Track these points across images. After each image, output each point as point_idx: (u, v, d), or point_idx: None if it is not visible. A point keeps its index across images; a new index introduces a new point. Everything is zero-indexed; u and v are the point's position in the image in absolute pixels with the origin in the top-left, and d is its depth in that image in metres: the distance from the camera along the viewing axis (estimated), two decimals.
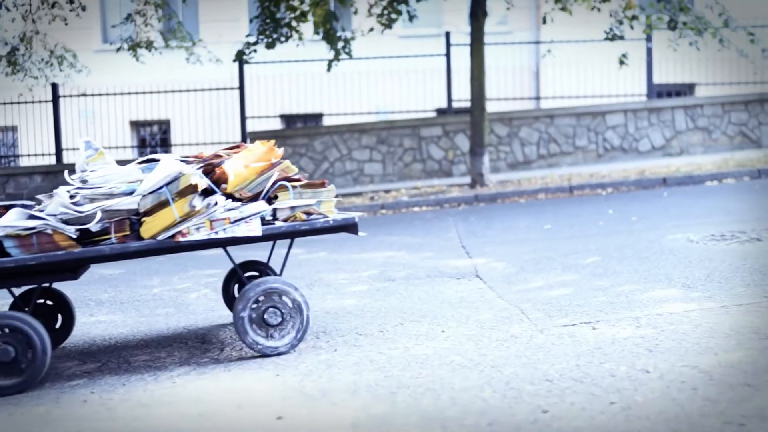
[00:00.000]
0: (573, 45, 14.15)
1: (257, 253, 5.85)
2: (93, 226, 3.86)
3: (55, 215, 3.89)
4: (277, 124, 17.49)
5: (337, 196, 4.58)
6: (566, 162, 13.40)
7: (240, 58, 11.62)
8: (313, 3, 10.58)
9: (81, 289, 6.26)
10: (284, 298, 4.05)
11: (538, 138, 13.49)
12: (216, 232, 3.95)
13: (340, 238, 7.54)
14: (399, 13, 10.97)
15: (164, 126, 17.35)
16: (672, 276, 4.99)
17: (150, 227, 3.91)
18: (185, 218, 3.90)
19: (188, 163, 4.27)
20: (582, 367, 3.27)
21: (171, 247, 3.94)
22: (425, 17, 17.85)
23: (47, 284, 4.43)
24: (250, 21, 11.77)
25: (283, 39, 11.26)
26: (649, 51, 13.47)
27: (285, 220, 4.12)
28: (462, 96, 14.66)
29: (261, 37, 11.26)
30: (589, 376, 3.13)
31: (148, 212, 3.92)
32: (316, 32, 11.20)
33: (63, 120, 13.50)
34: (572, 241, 6.88)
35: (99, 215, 3.87)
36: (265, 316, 4.01)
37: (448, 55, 13.49)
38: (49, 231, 3.85)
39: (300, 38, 11.48)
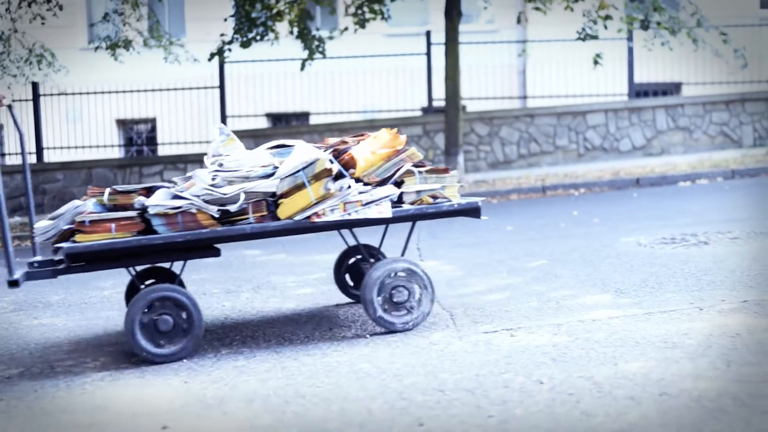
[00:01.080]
0: (560, 44, 14.07)
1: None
2: (233, 207, 4.08)
3: (198, 196, 4.12)
4: (264, 123, 17.48)
5: None
6: (546, 162, 13.36)
7: (215, 57, 11.59)
8: (288, 2, 10.55)
9: (34, 291, 6.26)
10: (410, 277, 4.25)
11: (519, 137, 13.45)
12: (349, 214, 4.19)
13: (303, 239, 7.53)
14: (375, 12, 10.93)
15: (151, 124, 17.35)
16: (608, 281, 4.97)
17: (287, 208, 4.15)
18: (320, 200, 4.14)
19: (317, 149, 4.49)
20: (481, 377, 3.25)
21: (306, 227, 4.19)
22: (410, 16, 17.85)
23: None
24: (224, 20, 11.72)
25: (258, 38, 11.23)
26: (630, 50, 13.40)
27: (411, 204, 4.34)
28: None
29: (236, 36, 11.24)
30: (482, 387, 3.11)
31: (285, 194, 4.16)
32: (291, 32, 11.18)
33: (44, 119, 13.49)
34: (528, 243, 6.85)
35: (242, 197, 4.09)
36: (393, 294, 4.22)
37: (428, 54, 13.45)
38: (193, 210, 4.09)
39: (276, 38, 11.45)
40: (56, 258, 4.40)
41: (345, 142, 4.50)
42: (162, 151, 15.89)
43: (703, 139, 13.35)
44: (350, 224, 4.26)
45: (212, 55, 11.44)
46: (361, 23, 11.16)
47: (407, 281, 4.25)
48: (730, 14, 15.97)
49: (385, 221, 4.25)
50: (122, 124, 17.41)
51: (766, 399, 2.68)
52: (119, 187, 4.23)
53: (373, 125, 13.40)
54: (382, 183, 4.31)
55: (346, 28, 11.55)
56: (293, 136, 13.29)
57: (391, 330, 4.21)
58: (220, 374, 3.73)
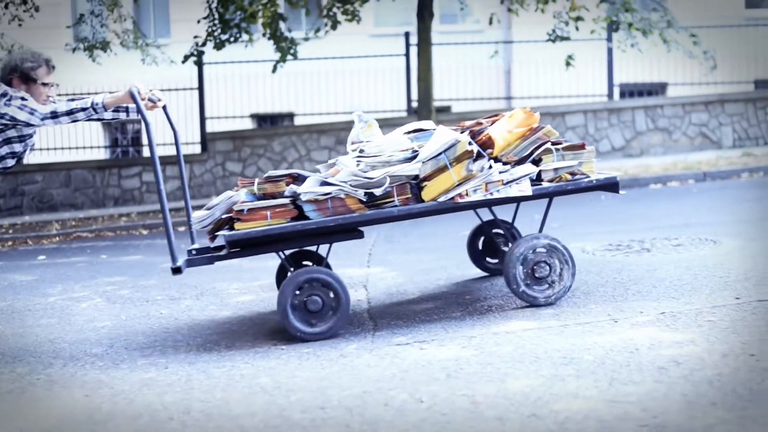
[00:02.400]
0: (545, 44, 13.99)
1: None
2: (378, 191, 4.24)
3: (345, 181, 4.29)
4: (249, 124, 17.48)
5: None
6: None
7: (189, 59, 11.57)
8: (262, 4, 10.53)
9: None
10: (551, 253, 4.43)
11: None
12: (491, 194, 4.33)
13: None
14: (347, 13, 10.89)
15: (137, 125, 17.36)
16: None
17: (430, 190, 4.31)
18: (462, 181, 4.29)
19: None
20: (367, 394, 3.23)
21: (450, 207, 4.36)
22: (396, 16, 17.82)
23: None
24: (198, 22, 11.70)
25: (232, 40, 11.22)
26: (609, 51, 13.33)
27: (549, 181, 4.46)
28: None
29: (210, 38, 11.23)
30: (363, 405, 3.09)
31: (428, 177, 4.31)
32: (264, 33, 11.16)
33: None
34: None
35: (388, 180, 4.24)
36: (535, 269, 4.41)
37: (407, 55, 13.40)
38: (342, 195, 4.29)
39: (251, 39, 11.44)
40: (212, 245, 4.77)
41: (480, 123, 4.64)
42: (147, 152, 15.88)
43: (682, 140, 13.28)
44: (492, 203, 4.42)
45: (186, 57, 11.43)
46: (334, 25, 11.13)
47: (548, 257, 4.42)
48: (716, 14, 15.92)
49: (525, 199, 4.41)
50: (107, 125, 17.42)
51: (631, 422, 2.66)
52: (269, 175, 4.47)
53: (351, 126, 13.35)
54: (520, 162, 4.45)
55: (318, 29, 11.53)
56: (270, 138, 13.28)
57: (533, 304, 4.44)
58: (124, 387, 3.73)
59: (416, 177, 4.34)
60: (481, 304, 4.75)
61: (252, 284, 6.08)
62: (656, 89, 16.51)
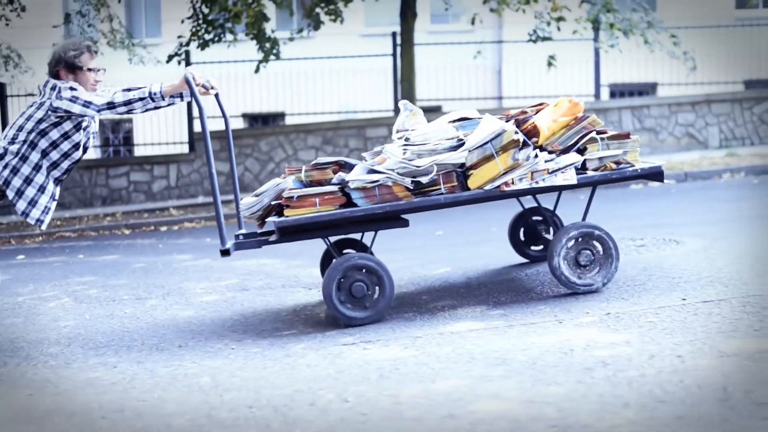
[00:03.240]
0: (535, 45, 13.99)
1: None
2: (424, 179, 4.32)
3: (393, 169, 4.36)
4: (240, 123, 17.53)
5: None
6: None
7: (178, 58, 11.62)
8: (246, 4, 10.57)
9: None
10: (595, 241, 4.50)
11: None
12: (536, 182, 4.40)
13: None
14: (330, 14, 10.93)
15: (127, 125, 17.42)
16: (494, 291, 4.96)
17: (477, 179, 4.39)
18: (508, 170, 4.35)
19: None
20: (297, 393, 3.27)
21: (496, 195, 4.44)
22: (387, 16, 17.83)
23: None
24: (182, 22, 11.75)
25: (216, 40, 11.26)
26: (596, 51, 13.34)
27: (594, 170, 4.53)
28: (422, 95, 14.69)
29: (194, 38, 11.28)
30: (290, 405, 3.13)
31: (474, 165, 4.39)
32: (246, 33, 11.20)
33: (12, 119, 13.56)
34: (446, 250, 6.86)
35: (435, 169, 4.31)
36: (578, 257, 4.48)
37: (394, 55, 13.42)
38: (389, 183, 4.36)
39: (235, 39, 11.48)
40: (259, 231, 4.92)
41: (525, 112, 4.70)
42: (138, 151, 15.96)
43: (669, 140, 13.29)
44: (537, 191, 4.51)
45: (170, 57, 11.48)
46: (317, 25, 11.17)
47: (591, 244, 4.50)
48: (706, 15, 15.93)
49: (570, 187, 4.51)
50: (100, 124, 17.46)
51: (542, 422, 2.69)
52: (316, 163, 4.58)
53: (339, 126, 13.43)
54: (565, 151, 4.50)
55: (301, 30, 11.57)
56: (257, 138, 13.32)
57: (576, 291, 4.51)
58: (68, 386, 3.77)
59: (462, 165, 4.42)
60: (435, 304, 4.78)
61: (218, 284, 6.12)
62: (646, 89, 16.53)
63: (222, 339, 4.47)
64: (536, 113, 4.65)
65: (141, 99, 4.42)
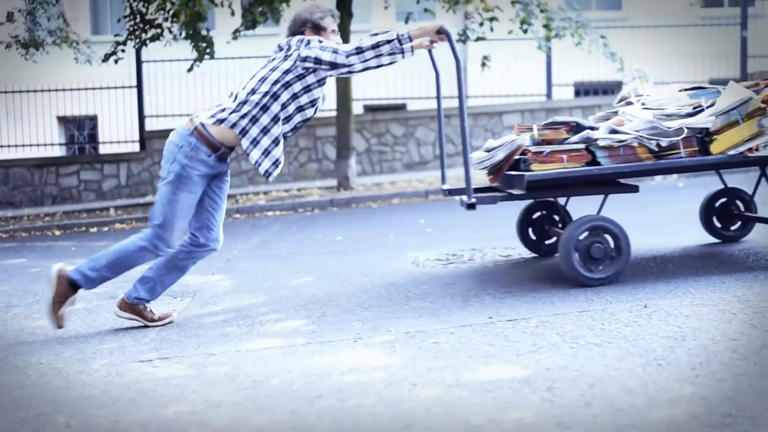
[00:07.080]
0: (499, 43, 13.84)
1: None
2: (663, 142, 4.43)
3: (639, 130, 4.45)
4: None
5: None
6: (461, 162, 13.23)
7: (115, 57, 11.59)
8: (182, 3, 10.53)
9: None
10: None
11: (435, 138, 13.34)
12: None
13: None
14: (264, 15, 10.87)
15: (92, 122, 17.44)
16: (329, 304, 4.90)
17: (720, 144, 4.50)
18: (753, 137, 4.47)
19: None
20: (38, 415, 3.22)
21: (740, 161, 4.53)
22: (361, 14, 17.72)
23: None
24: (118, 21, 11.73)
25: (154, 39, 11.23)
26: (548, 50, 13.18)
27: None
28: (388, 94, 14.64)
29: (130, 37, 11.25)
30: (21, 427, 3.08)
31: (718, 131, 4.51)
32: (181, 32, 11.16)
33: None
34: (328, 256, 6.80)
35: (686, 131, 4.42)
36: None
37: None
38: (634, 144, 4.45)
39: (175, 38, 11.44)
40: (491, 185, 5.20)
41: (757, 84, 4.81)
42: (103, 149, 15.98)
43: None
44: None
45: (107, 56, 11.46)
46: (253, 24, 11.12)
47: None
48: (672, 14, 15.76)
49: None
50: (64, 121, 17.51)
51: None
52: (550, 122, 4.69)
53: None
54: None
55: (237, 30, 11.52)
56: None
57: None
58: None
59: (702, 131, 4.51)
60: (261, 318, 4.72)
61: (99, 291, 6.05)
62: (612, 88, 16.37)
63: (60, 354, 4.39)
64: (766, 87, 4.78)
65: (389, 42, 4.31)
